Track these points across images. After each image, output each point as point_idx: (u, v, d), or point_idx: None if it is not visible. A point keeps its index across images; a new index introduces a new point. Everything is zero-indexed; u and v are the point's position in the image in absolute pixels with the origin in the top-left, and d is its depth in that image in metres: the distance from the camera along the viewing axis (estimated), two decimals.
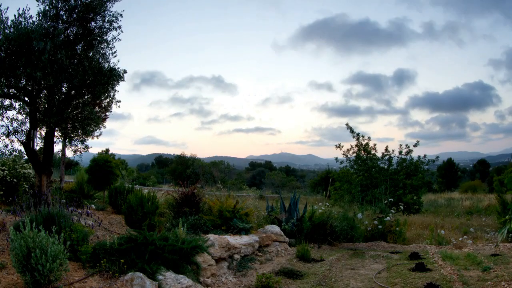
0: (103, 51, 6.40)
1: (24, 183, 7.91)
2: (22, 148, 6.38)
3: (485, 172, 53.27)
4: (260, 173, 54.51)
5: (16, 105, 6.33)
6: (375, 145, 15.93)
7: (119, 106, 7.16)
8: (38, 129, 6.41)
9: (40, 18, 5.75)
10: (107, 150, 29.82)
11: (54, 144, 6.65)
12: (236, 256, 6.13)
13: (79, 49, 6.13)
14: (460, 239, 9.14)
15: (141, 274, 4.23)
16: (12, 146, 6.40)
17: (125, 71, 6.50)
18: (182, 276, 4.59)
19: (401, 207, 11.56)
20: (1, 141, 6.30)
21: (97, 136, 7.31)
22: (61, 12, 5.88)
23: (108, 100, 6.99)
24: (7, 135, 6.29)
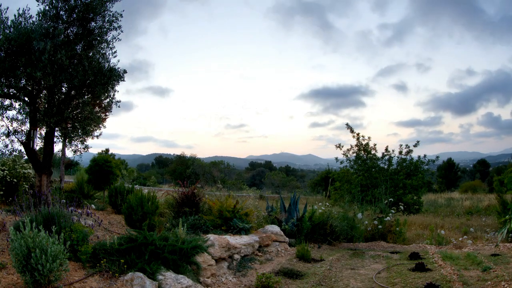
0: (103, 51, 6.41)
1: (24, 183, 7.91)
2: (22, 148, 6.39)
3: (485, 172, 53.28)
4: (260, 173, 54.52)
5: (16, 105, 6.34)
6: (375, 145, 15.90)
7: (119, 106, 7.15)
8: (38, 129, 6.41)
9: (40, 18, 5.75)
10: (107, 150, 29.81)
11: (54, 144, 6.66)
12: (236, 256, 6.12)
13: (79, 49, 6.13)
14: (460, 239, 9.14)
15: (141, 274, 4.23)
16: (12, 146, 6.40)
17: (125, 71, 6.50)
18: (182, 276, 4.59)
19: (401, 207, 11.55)
20: (1, 141, 6.31)
21: (97, 136, 7.31)
22: (61, 12, 5.88)
23: (108, 100, 6.98)
24: (7, 135, 6.30)
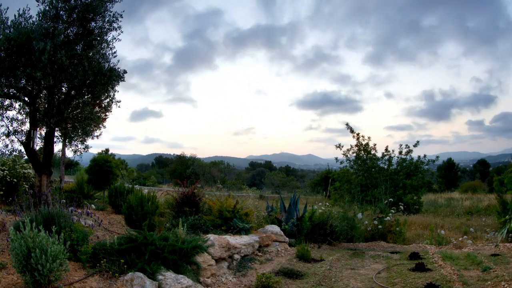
0: (103, 51, 6.40)
1: (24, 183, 7.91)
2: (22, 148, 6.38)
3: (485, 172, 53.30)
4: (260, 173, 54.52)
5: (16, 105, 6.34)
6: (375, 145, 15.89)
7: (119, 106, 7.14)
8: (38, 129, 6.41)
9: (40, 18, 5.74)
10: (107, 150, 29.82)
11: (54, 144, 6.66)
12: (236, 256, 6.12)
13: (79, 49, 6.13)
14: (460, 239, 9.14)
15: (141, 274, 4.23)
16: (12, 146, 6.40)
17: (125, 71, 6.50)
18: (182, 276, 4.59)
19: (401, 207, 11.55)
20: (1, 141, 6.31)
21: (97, 136, 7.30)
22: (61, 12, 5.88)
23: (108, 100, 6.98)
24: (7, 135, 6.30)
